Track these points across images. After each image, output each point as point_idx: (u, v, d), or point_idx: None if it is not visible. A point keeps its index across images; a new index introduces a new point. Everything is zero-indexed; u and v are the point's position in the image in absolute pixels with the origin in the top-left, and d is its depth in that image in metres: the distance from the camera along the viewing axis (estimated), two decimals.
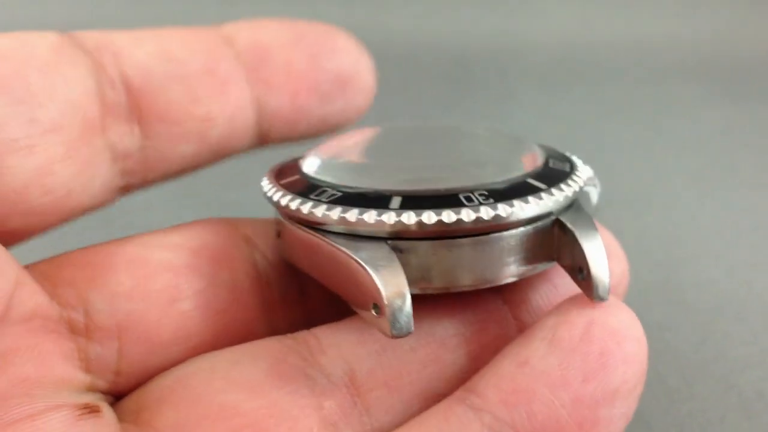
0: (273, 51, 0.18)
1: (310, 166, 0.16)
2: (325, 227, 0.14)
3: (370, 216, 0.13)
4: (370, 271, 0.13)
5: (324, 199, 0.14)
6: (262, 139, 0.18)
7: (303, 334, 0.15)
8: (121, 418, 0.14)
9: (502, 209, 0.13)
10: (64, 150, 0.15)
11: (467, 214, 0.13)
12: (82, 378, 0.14)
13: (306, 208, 0.14)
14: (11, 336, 0.13)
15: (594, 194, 0.17)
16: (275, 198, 0.15)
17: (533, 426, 0.12)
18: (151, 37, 0.17)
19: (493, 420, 0.12)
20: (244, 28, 0.18)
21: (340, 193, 0.14)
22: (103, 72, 0.15)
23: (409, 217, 0.13)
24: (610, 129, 0.40)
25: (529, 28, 0.52)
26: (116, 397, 0.15)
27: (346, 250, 0.14)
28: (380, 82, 0.47)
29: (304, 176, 0.16)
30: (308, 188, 0.15)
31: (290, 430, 0.13)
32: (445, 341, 0.14)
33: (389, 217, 0.13)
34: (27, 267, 0.15)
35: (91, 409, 0.13)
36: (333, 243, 0.14)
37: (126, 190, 0.17)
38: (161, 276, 0.15)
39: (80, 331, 0.14)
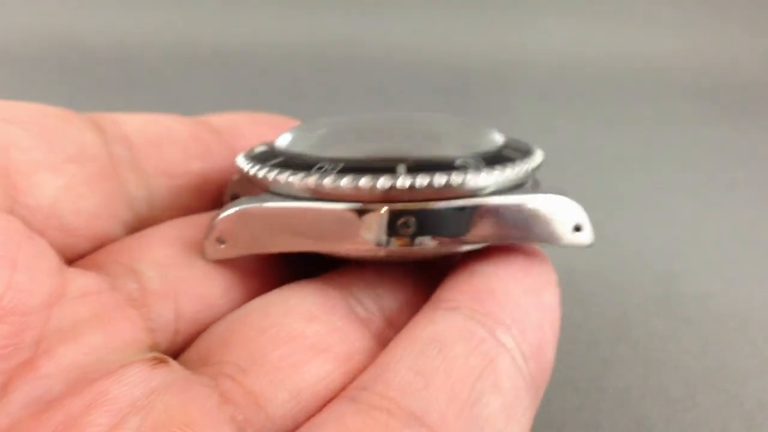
0: (242, 128, 0.20)
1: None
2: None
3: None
4: (571, 199, 0.15)
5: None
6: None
7: (332, 275, 0.17)
8: (187, 368, 0.14)
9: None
10: (87, 177, 0.16)
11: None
12: (146, 339, 0.15)
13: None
14: (75, 309, 0.14)
15: None
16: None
17: (501, 310, 0.14)
18: (142, 114, 0.19)
19: (471, 311, 0.14)
20: (212, 116, 0.21)
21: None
22: (105, 131, 0.17)
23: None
24: (608, 144, 0.41)
25: (528, 43, 0.52)
26: (172, 356, 0.15)
27: (542, 194, 0.15)
28: (381, 94, 0.48)
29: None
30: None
31: (353, 346, 0.15)
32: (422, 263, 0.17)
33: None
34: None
35: (160, 360, 0.14)
36: (516, 196, 0.15)
37: (139, 228, 0.18)
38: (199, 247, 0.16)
39: (136, 297, 0.15)
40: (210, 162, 0.19)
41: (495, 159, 0.15)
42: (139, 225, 0.18)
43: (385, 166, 0.14)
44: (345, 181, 0.14)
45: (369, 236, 0.14)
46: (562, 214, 0.15)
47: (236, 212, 0.15)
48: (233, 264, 0.16)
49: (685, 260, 0.29)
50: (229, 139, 0.20)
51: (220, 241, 0.16)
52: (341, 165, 0.15)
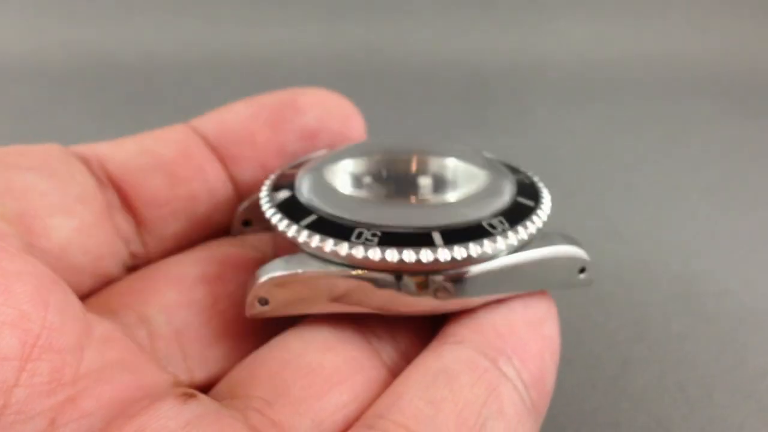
0: (236, 129, 0.20)
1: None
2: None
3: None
4: (578, 247, 0.17)
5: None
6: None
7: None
8: (216, 400, 0.15)
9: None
10: (94, 219, 0.17)
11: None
12: (168, 378, 0.16)
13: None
14: (102, 353, 0.14)
15: None
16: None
17: (503, 342, 0.15)
18: (129, 141, 0.20)
19: (475, 344, 0.15)
20: (210, 117, 0.21)
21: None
22: (93, 173, 0.18)
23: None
24: (625, 144, 0.41)
25: (544, 46, 0.53)
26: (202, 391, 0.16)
27: (555, 246, 0.16)
28: (400, 99, 0.48)
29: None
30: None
31: (368, 376, 0.16)
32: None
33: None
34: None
35: (190, 395, 0.15)
36: (536, 249, 0.16)
37: (134, 269, 0.19)
38: (199, 286, 0.18)
39: (145, 344, 0.16)
40: (200, 181, 0.20)
41: (514, 214, 0.16)
42: (134, 262, 0.19)
43: (421, 233, 0.15)
44: (389, 255, 0.15)
45: (410, 300, 0.16)
46: (571, 260, 0.17)
47: (277, 277, 0.16)
48: (233, 302, 0.17)
49: (703, 259, 0.30)
50: (225, 152, 0.20)
51: (263, 302, 0.16)
52: (378, 234, 0.15)
